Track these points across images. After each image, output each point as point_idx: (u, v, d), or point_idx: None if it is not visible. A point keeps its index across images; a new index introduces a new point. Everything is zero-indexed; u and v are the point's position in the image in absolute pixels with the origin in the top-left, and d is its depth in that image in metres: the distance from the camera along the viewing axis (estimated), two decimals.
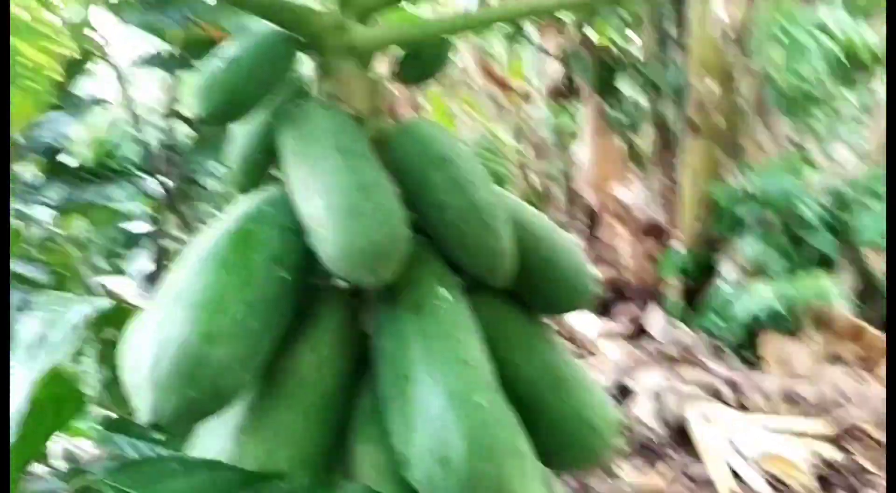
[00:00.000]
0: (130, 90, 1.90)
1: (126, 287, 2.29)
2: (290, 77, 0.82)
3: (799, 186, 4.75)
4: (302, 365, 0.73)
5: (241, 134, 0.84)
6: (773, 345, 4.29)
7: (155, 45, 1.66)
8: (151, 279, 2.14)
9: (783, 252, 4.64)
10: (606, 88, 5.93)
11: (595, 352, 4.82)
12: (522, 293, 0.83)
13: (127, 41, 1.81)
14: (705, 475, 3.52)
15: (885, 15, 5.27)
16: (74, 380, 0.75)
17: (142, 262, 2.27)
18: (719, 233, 5.03)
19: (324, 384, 0.73)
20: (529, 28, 6.09)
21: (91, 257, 2.22)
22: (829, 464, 3.37)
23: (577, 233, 5.93)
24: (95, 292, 1.87)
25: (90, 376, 0.84)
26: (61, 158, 1.65)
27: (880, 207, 4.60)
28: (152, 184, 1.90)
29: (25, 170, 1.63)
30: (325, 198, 0.70)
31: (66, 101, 1.61)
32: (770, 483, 3.34)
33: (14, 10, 1.10)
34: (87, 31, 1.69)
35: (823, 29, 5.52)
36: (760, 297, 4.32)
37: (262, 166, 0.83)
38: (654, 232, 5.61)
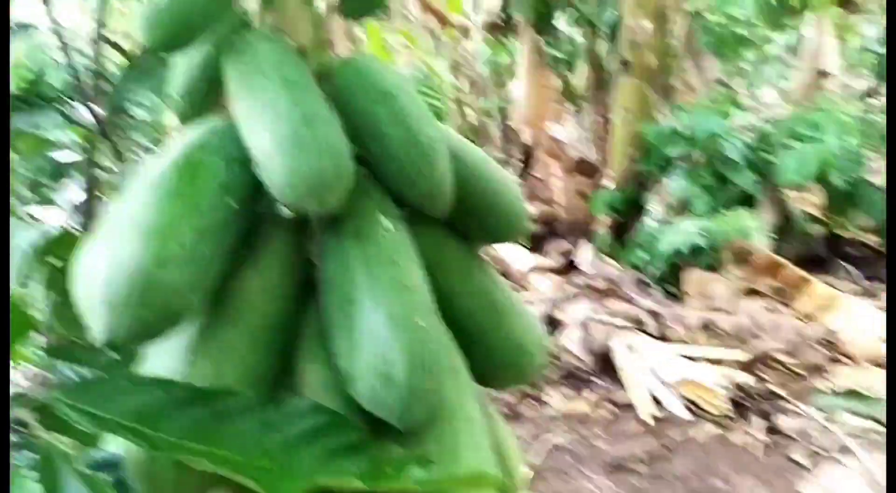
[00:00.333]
0: (56, 14, 1.83)
1: (56, 217, 2.24)
2: (233, 8, 0.82)
3: (725, 126, 4.88)
4: (249, 289, 0.76)
5: (184, 65, 0.84)
6: (694, 279, 4.47)
7: None
8: (81, 209, 2.10)
9: (708, 190, 4.79)
10: (544, 25, 5.91)
11: (527, 286, 4.94)
12: (459, 224, 0.86)
13: None
14: (627, 401, 3.71)
15: None
16: (24, 304, 0.76)
17: (72, 192, 2.22)
18: (648, 171, 5.16)
19: (270, 307, 0.77)
20: None
21: (18, 186, 2.17)
22: (742, 389, 3.57)
23: (512, 169, 6.00)
24: (24, 222, 1.84)
25: (38, 302, 0.85)
26: None
27: (801, 147, 4.77)
28: (82, 112, 1.85)
29: None
30: (270, 129, 0.72)
31: None
32: (687, 408, 3.54)
33: None
34: None
35: None
36: (684, 233, 4.48)
37: (205, 97, 0.84)
38: (587, 170, 5.71)
